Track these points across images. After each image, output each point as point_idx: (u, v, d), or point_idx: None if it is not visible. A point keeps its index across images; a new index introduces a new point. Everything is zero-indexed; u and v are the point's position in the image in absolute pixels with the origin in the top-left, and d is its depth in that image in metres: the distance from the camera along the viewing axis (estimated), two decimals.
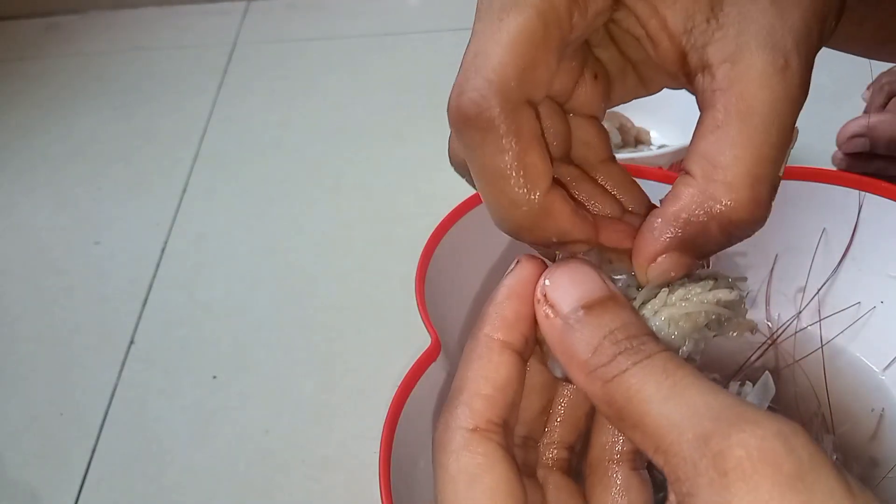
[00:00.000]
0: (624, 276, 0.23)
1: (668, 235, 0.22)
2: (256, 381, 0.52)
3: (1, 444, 0.51)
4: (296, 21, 0.92)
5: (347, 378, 0.52)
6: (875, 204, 0.41)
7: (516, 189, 0.22)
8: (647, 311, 0.23)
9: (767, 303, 0.46)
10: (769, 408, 0.39)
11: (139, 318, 0.58)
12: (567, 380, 0.23)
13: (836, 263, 0.44)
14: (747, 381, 0.40)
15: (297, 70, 0.84)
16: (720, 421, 0.17)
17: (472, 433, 0.21)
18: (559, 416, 0.24)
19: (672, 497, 0.18)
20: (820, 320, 0.45)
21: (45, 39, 0.94)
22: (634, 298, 0.23)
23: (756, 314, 0.47)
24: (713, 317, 0.24)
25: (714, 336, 0.24)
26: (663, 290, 0.23)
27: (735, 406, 0.17)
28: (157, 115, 0.79)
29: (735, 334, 0.25)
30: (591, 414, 0.24)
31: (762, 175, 0.21)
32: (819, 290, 0.45)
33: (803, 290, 0.45)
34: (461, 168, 0.25)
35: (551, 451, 0.24)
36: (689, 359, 0.24)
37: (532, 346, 0.22)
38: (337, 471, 0.47)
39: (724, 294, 0.24)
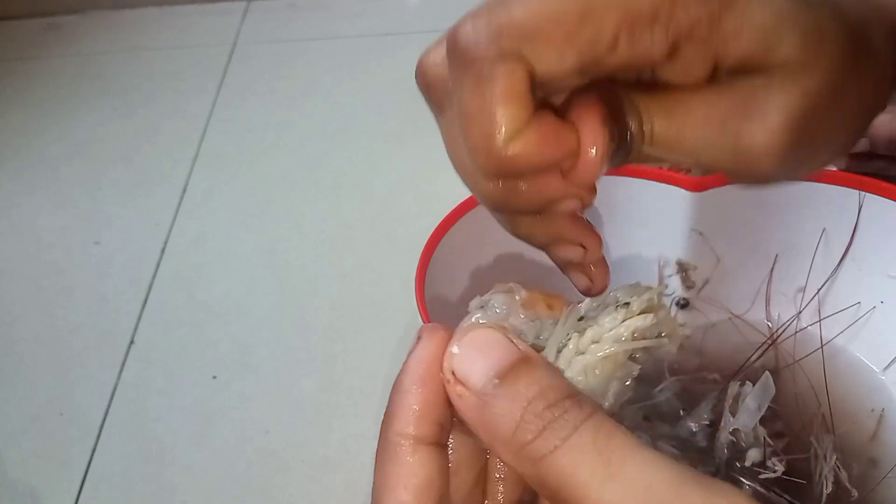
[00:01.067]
0: (535, 322, 0.22)
1: None
2: (256, 381, 0.52)
3: (1, 444, 0.51)
4: (296, 21, 0.92)
5: (347, 378, 0.52)
6: (875, 204, 0.41)
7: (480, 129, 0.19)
8: (562, 361, 0.21)
9: (767, 303, 0.46)
10: (769, 408, 0.39)
11: (139, 318, 0.58)
12: None
13: (836, 263, 0.44)
14: (747, 381, 0.40)
15: (297, 70, 0.84)
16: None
17: None
18: (499, 475, 0.22)
19: None
20: (820, 320, 0.45)
21: (45, 39, 0.94)
22: (545, 348, 0.21)
23: (756, 314, 0.47)
24: (631, 354, 0.21)
25: (639, 369, 0.22)
26: (574, 334, 0.21)
27: (678, 484, 0.16)
28: (157, 115, 0.79)
29: (669, 348, 0.22)
30: None
31: None
32: (819, 290, 0.45)
33: (803, 290, 0.45)
34: (427, 87, 0.24)
35: None
36: (617, 403, 0.22)
37: (449, 428, 0.20)
38: (337, 471, 0.47)
39: (639, 322, 0.21)
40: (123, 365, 0.55)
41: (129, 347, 0.56)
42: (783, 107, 0.19)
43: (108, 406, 0.52)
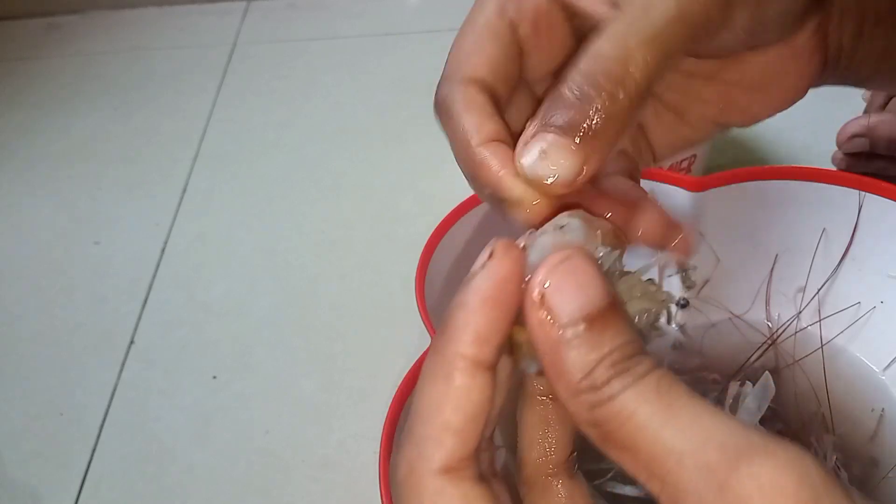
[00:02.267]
0: (607, 251, 0.21)
1: None
2: (256, 381, 0.52)
3: (1, 444, 0.51)
4: (296, 21, 0.92)
5: (347, 378, 0.52)
6: (875, 204, 0.41)
7: (461, 149, 0.23)
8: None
9: (767, 303, 0.46)
10: (769, 408, 0.39)
11: (139, 318, 0.58)
12: (540, 373, 0.21)
13: (836, 263, 0.44)
14: (747, 381, 0.40)
15: (297, 70, 0.84)
16: (726, 450, 0.16)
17: (445, 476, 0.18)
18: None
19: None
20: (820, 320, 0.45)
21: (45, 39, 0.94)
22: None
23: (756, 314, 0.47)
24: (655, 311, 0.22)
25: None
26: (630, 274, 0.22)
27: (740, 433, 0.16)
28: (157, 115, 0.79)
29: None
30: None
31: None
32: (819, 290, 0.45)
33: (803, 290, 0.45)
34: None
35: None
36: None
37: (501, 356, 0.20)
38: (337, 471, 0.47)
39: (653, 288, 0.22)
40: (123, 365, 0.55)
41: (129, 347, 0.56)
42: None
43: (108, 406, 0.52)
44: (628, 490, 0.36)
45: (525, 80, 0.26)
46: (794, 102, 0.27)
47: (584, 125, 0.20)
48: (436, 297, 0.39)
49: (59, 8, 0.97)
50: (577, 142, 0.20)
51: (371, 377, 0.51)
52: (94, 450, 0.50)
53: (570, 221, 0.21)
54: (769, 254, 0.46)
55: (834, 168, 0.55)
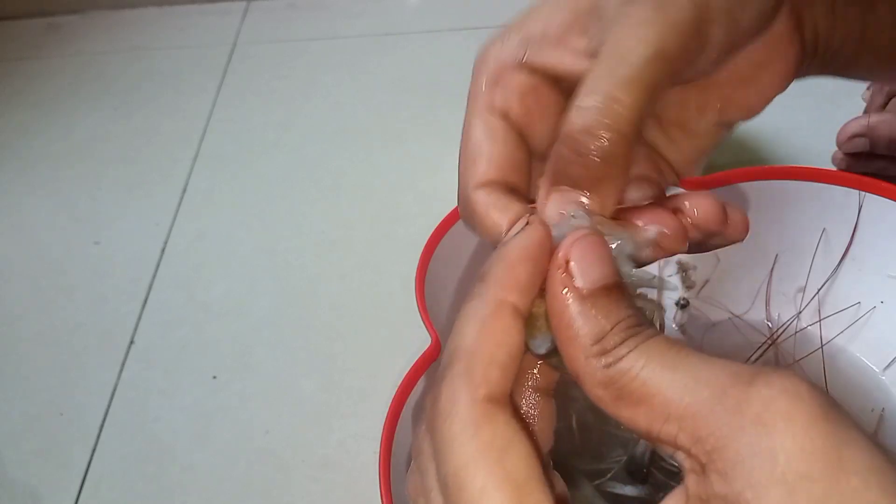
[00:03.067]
0: (620, 242, 0.23)
1: None
2: (256, 381, 0.52)
3: (1, 444, 0.51)
4: (296, 21, 0.92)
5: (347, 378, 0.52)
6: (875, 204, 0.41)
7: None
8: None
9: (767, 303, 0.46)
10: None
11: (139, 318, 0.58)
12: (545, 356, 0.22)
13: (836, 263, 0.44)
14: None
15: (297, 70, 0.84)
16: (737, 377, 0.17)
17: (488, 405, 0.19)
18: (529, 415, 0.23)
19: (688, 467, 0.18)
20: (820, 320, 0.45)
21: (45, 39, 0.94)
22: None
23: (756, 314, 0.47)
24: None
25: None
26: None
27: (745, 366, 0.18)
28: (157, 115, 0.79)
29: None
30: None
31: None
32: (819, 290, 0.45)
33: (803, 290, 0.45)
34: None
35: None
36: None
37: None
38: (337, 471, 0.47)
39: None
40: (123, 365, 0.55)
41: (129, 347, 0.56)
42: None
43: (108, 406, 0.52)
44: (628, 490, 0.35)
45: (538, 154, 0.27)
46: (787, 86, 0.28)
47: (588, 176, 0.22)
48: (436, 297, 0.39)
49: (59, 8, 0.97)
50: (588, 194, 0.22)
51: (371, 377, 0.51)
52: (94, 450, 0.50)
53: (576, 212, 0.23)
54: (769, 254, 0.46)
55: (834, 168, 0.55)
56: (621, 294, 0.20)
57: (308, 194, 0.67)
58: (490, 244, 0.25)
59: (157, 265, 0.62)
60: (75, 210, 0.69)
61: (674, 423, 0.18)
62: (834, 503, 0.15)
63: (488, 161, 0.26)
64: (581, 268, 0.20)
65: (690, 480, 0.17)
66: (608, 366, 0.19)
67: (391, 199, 0.65)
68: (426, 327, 0.37)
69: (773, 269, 0.46)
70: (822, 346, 0.44)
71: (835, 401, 0.17)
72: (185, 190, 0.69)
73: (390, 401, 0.33)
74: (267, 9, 0.95)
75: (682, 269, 0.47)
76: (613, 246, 0.22)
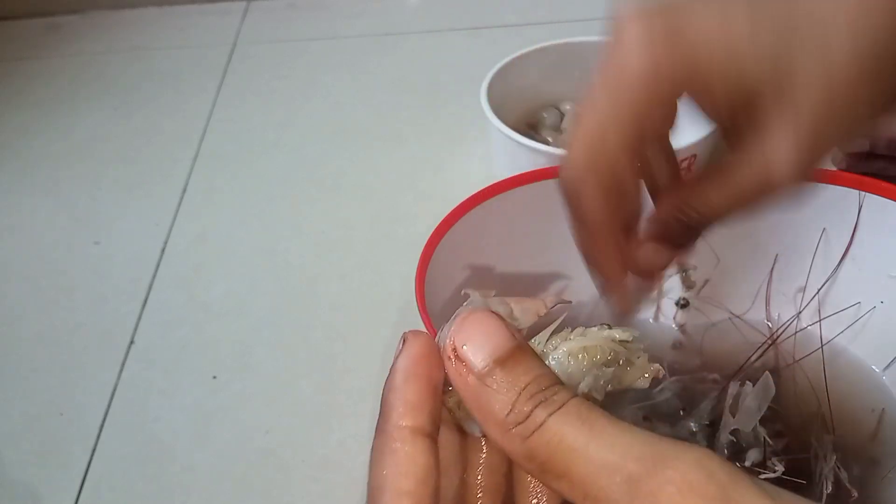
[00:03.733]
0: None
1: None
2: (256, 381, 0.52)
3: (1, 444, 0.51)
4: (296, 21, 0.92)
5: (347, 378, 0.52)
6: (875, 204, 0.41)
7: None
8: (549, 347, 0.24)
9: (767, 303, 0.46)
10: (769, 408, 0.39)
11: (139, 318, 0.58)
12: (485, 436, 0.23)
13: (836, 263, 0.44)
14: (747, 381, 0.40)
15: (297, 70, 0.84)
16: (644, 461, 0.18)
17: None
18: (480, 487, 0.24)
19: None
20: (820, 320, 0.45)
21: (45, 39, 0.94)
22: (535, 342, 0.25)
23: (756, 314, 0.47)
24: (609, 354, 0.25)
25: (610, 389, 0.25)
26: (564, 329, 0.25)
27: (653, 443, 0.18)
28: (157, 115, 0.79)
29: (640, 379, 0.25)
30: (510, 474, 0.24)
31: None
32: (819, 290, 0.45)
33: (803, 290, 0.45)
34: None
35: None
36: (590, 398, 0.24)
37: (439, 423, 0.22)
38: (337, 471, 0.47)
39: (617, 333, 0.25)
40: (123, 365, 0.55)
41: (129, 347, 0.56)
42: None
43: (108, 406, 0.52)
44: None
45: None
46: None
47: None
48: (436, 298, 0.39)
49: (59, 8, 0.97)
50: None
51: (371, 377, 0.51)
52: (94, 450, 0.50)
53: (472, 295, 0.24)
54: (769, 254, 0.46)
55: (834, 168, 0.55)
56: (519, 359, 0.20)
57: (308, 194, 0.67)
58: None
59: (157, 265, 0.62)
60: (75, 210, 0.69)
61: (591, 502, 0.18)
62: None
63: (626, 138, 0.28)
64: (470, 351, 0.20)
65: None
66: (527, 437, 0.19)
67: (391, 199, 0.65)
68: (426, 327, 0.37)
69: (773, 269, 0.46)
70: (822, 346, 0.44)
71: (738, 480, 0.17)
72: (185, 190, 0.69)
73: None
74: (267, 9, 0.95)
75: (682, 269, 0.47)
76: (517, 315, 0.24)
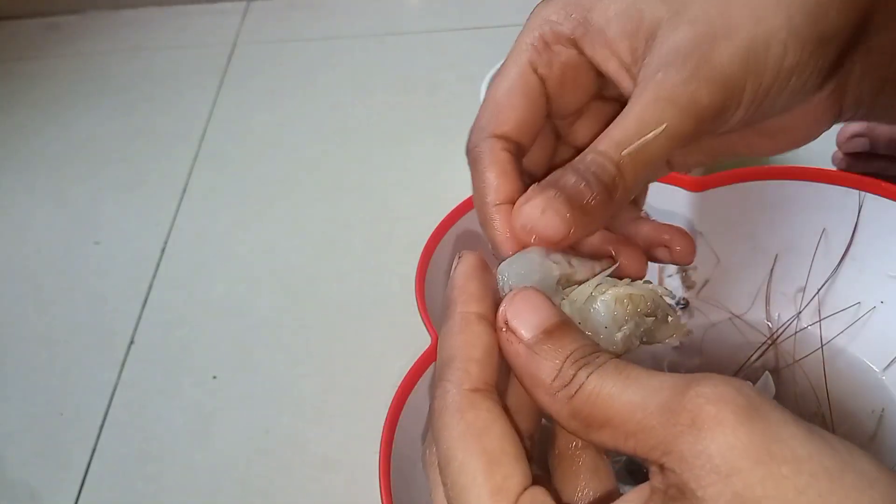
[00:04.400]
0: (570, 263, 0.26)
1: None
2: (256, 381, 0.52)
3: (1, 444, 0.51)
4: (296, 21, 0.92)
5: (347, 378, 0.52)
6: (875, 204, 0.41)
7: (479, 202, 0.28)
8: (598, 291, 0.26)
9: (767, 303, 0.46)
10: None
11: (139, 318, 0.58)
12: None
13: (836, 263, 0.44)
14: (747, 382, 0.40)
15: (297, 70, 0.84)
16: (675, 388, 0.19)
17: (472, 393, 0.22)
18: (514, 407, 0.25)
19: (652, 470, 0.20)
20: (820, 320, 0.45)
21: (45, 39, 0.94)
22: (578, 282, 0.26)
23: (756, 314, 0.47)
24: (650, 305, 0.26)
25: (644, 341, 0.26)
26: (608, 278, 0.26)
27: (681, 376, 0.20)
28: (157, 115, 0.79)
29: (671, 337, 0.27)
30: None
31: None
32: (819, 290, 0.45)
33: (803, 290, 0.45)
34: None
35: None
36: (627, 344, 0.26)
37: (495, 318, 0.24)
38: (337, 471, 0.47)
39: (659, 289, 0.27)
40: (123, 365, 0.55)
41: (129, 347, 0.56)
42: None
43: (108, 406, 0.52)
44: (628, 489, 0.35)
45: (549, 118, 0.30)
46: (806, 144, 0.29)
47: (579, 204, 0.24)
48: (436, 298, 0.39)
49: (59, 8, 0.97)
50: (569, 215, 0.24)
51: (371, 377, 0.51)
52: (94, 450, 0.50)
53: (532, 251, 0.26)
54: (769, 254, 0.46)
55: (834, 168, 0.55)
56: (564, 331, 0.22)
57: (308, 194, 0.67)
58: (476, 207, 0.29)
59: (157, 265, 0.62)
60: (75, 210, 0.69)
61: (632, 439, 0.20)
62: (768, 486, 0.17)
63: (513, 116, 0.28)
64: (519, 323, 0.23)
65: (653, 477, 0.20)
66: (571, 397, 0.21)
67: (391, 199, 0.65)
68: (426, 327, 0.37)
69: (773, 269, 0.46)
70: (822, 346, 0.44)
71: (765, 400, 0.19)
72: (185, 190, 0.69)
73: (390, 401, 0.33)
74: (267, 9, 0.95)
75: (683, 270, 0.47)
76: (556, 273, 0.26)
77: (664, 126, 0.24)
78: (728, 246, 0.45)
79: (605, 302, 0.25)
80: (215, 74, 0.83)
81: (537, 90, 0.28)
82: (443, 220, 0.41)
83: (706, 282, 0.47)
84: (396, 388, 0.34)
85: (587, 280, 0.26)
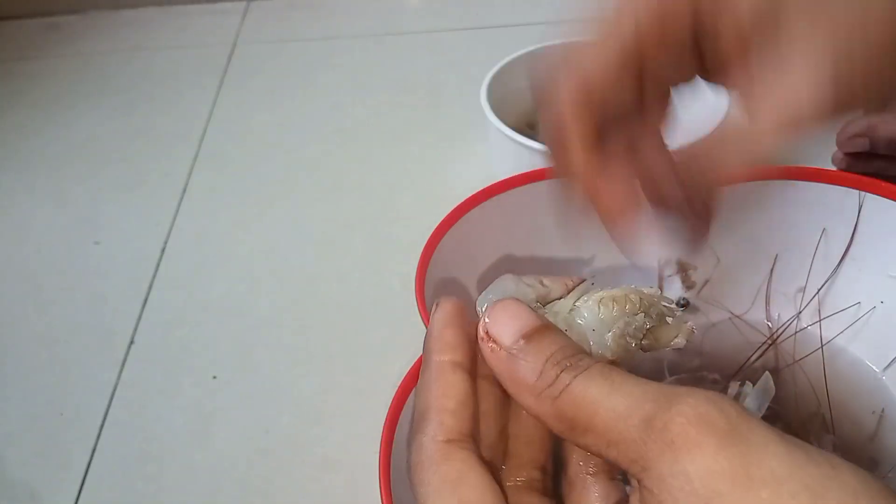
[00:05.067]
0: (543, 287, 0.27)
1: None
2: (256, 381, 0.52)
3: (1, 444, 0.51)
4: (296, 21, 0.92)
5: (347, 378, 0.52)
6: (875, 204, 0.41)
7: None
8: (580, 302, 0.26)
9: (767, 303, 0.46)
10: (769, 408, 0.39)
11: (139, 318, 0.58)
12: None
13: (836, 263, 0.44)
14: (747, 382, 0.40)
15: (297, 70, 0.84)
16: (658, 402, 0.19)
17: (447, 445, 0.22)
18: (523, 438, 0.25)
19: (633, 483, 0.20)
20: (820, 320, 0.45)
21: (45, 39, 0.94)
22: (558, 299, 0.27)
23: (756, 314, 0.47)
24: (637, 304, 0.26)
25: (646, 347, 0.26)
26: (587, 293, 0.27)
27: (666, 389, 0.20)
28: (157, 115, 0.79)
29: (677, 338, 0.26)
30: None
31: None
32: (819, 290, 0.45)
33: (803, 290, 0.45)
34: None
35: (521, 474, 0.25)
36: (623, 345, 0.26)
37: (475, 365, 0.24)
38: (337, 471, 0.47)
39: (645, 288, 0.27)
40: (123, 365, 0.55)
41: (129, 347, 0.56)
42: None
43: (108, 406, 0.52)
44: (628, 490, 0.35)
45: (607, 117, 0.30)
46: None
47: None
48: (436, 298, 0.39)
49: (59, 8, 0.97)
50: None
51: (371, 377, 0.51)
52: (94, 450, 0.50)
53: (497, 284, 0.27)
54: (769, 254, 0.46)
55: (834, 168, 0.55)
56: (545, 333, 0.23)
57: (308, 194, 0.67)
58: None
59: (157, 265, 0.62)
60: (75, 210, 0.69)
61: (613, 448, 0.20)
62: None
63: (608, 83, 0.29)
64: (499, 331, 0.23)
65: (632, 495, 0.20)
66: (555, 398, 0.21)
67: (391, 199, 0.65)
68: (426, 327, 0.37)
69: (773, 269, 0.46)
70: (822, 346, 0.44)
71: (747, 418, 0.19)
72: (185, 190, 0.69)
73: (390, 401, 0.33)
74: (267, 9, 0.95)
75: (682, 269, 0.47)
76: (532, 288, 0.27)
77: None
78: (728, 246, 0.45)
79: (588, 307, 0.26)
80: (215, 74, 0.83)
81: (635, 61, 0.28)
82: (443, 220, 0.41)
83: (706, 282, 0.47)
84: (396, 388, 0.34)
85: (562, 297, 0.26)
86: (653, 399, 0.20)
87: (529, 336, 0.23)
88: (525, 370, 0.22)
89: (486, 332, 0.23)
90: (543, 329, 0.23)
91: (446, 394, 0.23)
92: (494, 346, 0.23)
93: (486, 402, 0.25)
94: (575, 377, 0.21)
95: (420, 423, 0.23)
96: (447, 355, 0.24)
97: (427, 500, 0.22)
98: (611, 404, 0.20)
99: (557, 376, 0.21)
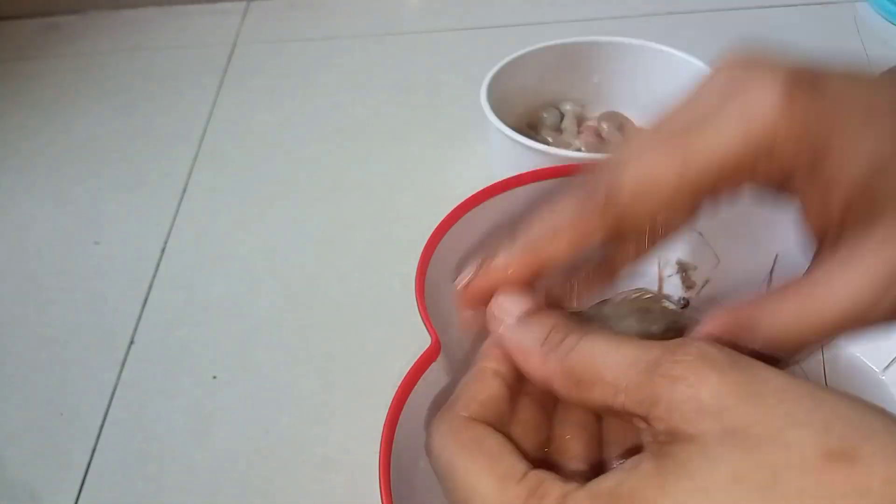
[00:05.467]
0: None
1: None
2: (256, 381, 0.52)
3: (1, 444, 0.51)
4: (296, 21, 0.92)
5: (347, 378, 0.52)
6: None
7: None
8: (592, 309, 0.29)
9: None
10: None
11: (139, 318, 0.58)
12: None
13: None
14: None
15: (297, 70, 0.84)
16: (664, 347, 0.21)
17: (467, 419, 0.24)
18: (570, 434, 0.27)
19: (642, 426, 0.21)
20: None
21: (45, 39, 0.94)
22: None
23: None
24: (645, 300, 0.29)
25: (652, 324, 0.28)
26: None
27: (671, 341, 0.22)
28: (157, 115, 0.79)
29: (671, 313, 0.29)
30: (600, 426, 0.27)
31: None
32: None
33: None
34: None
35: (572, 466, 0.27)
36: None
37: (515, 379, 0.26)
38: (337, 471, 0.47)
39: (646, 294, 0.29)
40: (123, 365, 0.55)
41: (129, 347, 0.56)
42: None
43: (108, 406, 0.52)
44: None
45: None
46: None
47: None
48: (436, 298, 0.39)
49: (59, 8, 0.97)
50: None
51: (371, 377, 0.51)
52: (94, 450, 0.50)
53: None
54: (769, 254, 0.46)
55: None
56: (548, 311, 0.25)
57: (308, 194, 0.67)
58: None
59: (157, 265, 0.62)
60: (75, 210, 0.69)
61: (622, 394, 0.21)
62: (756, 415, 0.19)
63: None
64: (503, 309, 0.26)
65: (643, 434, 0.21)
66: (564, 357, 0.23)
67: (391, 199, 0.65)
68: (426, 327, 0.37)
69: (773, 269, 0.46)
70: (822, 347, 0.44)
71: (746, 357, 0.21)
72: (185, 190, 0.69)
73: (390, 401, 0.33)
74: (267, 9, 0.95)
75: (682, 269, 0.47)
76: None
77: None
78: (728, 246, 0.45)
79: (611, 303, 0.28)
80: (215, 74, 0.83)
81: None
82: (443, 220, 0.41)
83: (706, 282, 0.47)
84: (396, 388, 0.34)
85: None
86: (660, 346, 0.21)
87: (531, 313, 0.25)
88: (530, 338, 0.24)
89: (493, 315, 0.26)
90: (544, 310, 0.25)
91: (480, 390, 0.25)
92: (502, 321, 0.26)
93: (528, 413, 0.27)
94: (581, 338, 0.23)
95: (448, 406, 0.25)
96: (492, 364, 0.26)
97: (452, 458, 0.23)
98: (621, 354, 0.22)
99: (562, 340, 0.23)
